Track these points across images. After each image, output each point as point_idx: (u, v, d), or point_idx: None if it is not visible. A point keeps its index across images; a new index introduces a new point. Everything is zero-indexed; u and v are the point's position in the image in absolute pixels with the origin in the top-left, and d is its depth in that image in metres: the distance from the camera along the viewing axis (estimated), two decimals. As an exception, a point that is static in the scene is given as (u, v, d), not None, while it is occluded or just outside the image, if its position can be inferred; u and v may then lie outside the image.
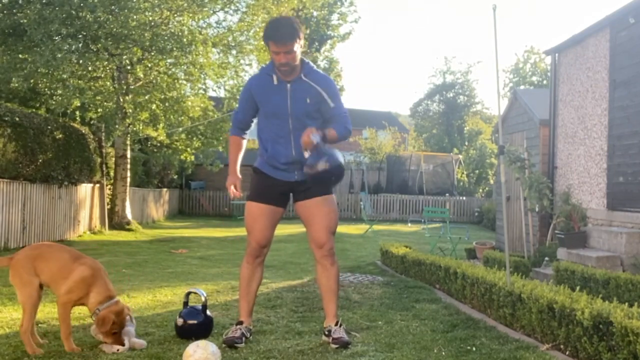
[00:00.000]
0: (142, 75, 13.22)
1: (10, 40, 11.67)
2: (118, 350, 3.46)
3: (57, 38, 11.21)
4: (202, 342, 3.28)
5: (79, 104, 12.58)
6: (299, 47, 3.61)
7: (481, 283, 4.85)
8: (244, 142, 3.98)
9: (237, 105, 4.13)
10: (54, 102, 12.25)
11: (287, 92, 3.69)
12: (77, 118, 13.38)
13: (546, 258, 8.02)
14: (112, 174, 14.41)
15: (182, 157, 16.05)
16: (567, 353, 3.60)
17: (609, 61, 7.71)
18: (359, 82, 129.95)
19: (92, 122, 13.56)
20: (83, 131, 12.47)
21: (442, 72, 37.01)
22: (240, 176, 3.86)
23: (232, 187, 3.82)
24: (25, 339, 3.40)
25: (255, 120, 3.98)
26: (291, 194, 3.89)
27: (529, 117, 9.90)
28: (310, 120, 3.72)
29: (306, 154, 3.62)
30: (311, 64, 3.84)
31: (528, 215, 9.46)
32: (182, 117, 14.07)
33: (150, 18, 12.00)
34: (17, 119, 9.65)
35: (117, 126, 12.93)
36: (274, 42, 3.57)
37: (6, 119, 9.34)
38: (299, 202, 3.86)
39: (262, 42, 13.61)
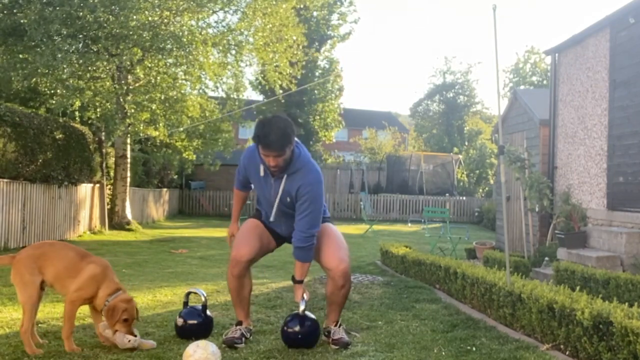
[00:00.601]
0: (142, 75, 13.22)
1: (11, 40, 11.66)
2: (129, 341, 3.45)
3: (57, 38, 11.21)
4: (202, 342, 3.28)
5: (79, 104, 12.58)
6: (290, 149, 3.52)
7: (481, 283, 4.85)
8: (246, 194, 4.19)
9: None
10: (54, 102, 12.25)
11: (271, 187, 3.69)
12: (77, 118, 13.38)
13: (546, 258, 8.02)
14: (112, 174, 14.41)
15: (184, 155, 16.03)
16: (567, 353, 3.60)
17: (609, 61, 7.71)
18: (359, 82, 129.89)
19: (91, 122, 13.56)
20: (83, 131, 12.46)
21: (442, 72, 37.01)
22: (239, 227, 4.06)
23: (231, 235, 4.07)
24: (25, 339, 3.40)
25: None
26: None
27: (529, 117, 9.90)
28: (293, 210, 3.72)
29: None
30: (303, 155, 3.68)
31: (528, 215, 9.46)
32: (182, 117, 14.07)
33: (150, 18, 12.00)
34: (17, 119, 9.65)
35: (117, 126, 12.93)
36: (264, 148, 3.49)
37: (6, 119, 9.34)
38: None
39: (262, 42, 13.77)
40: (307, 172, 3.65)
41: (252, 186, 3.97)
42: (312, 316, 3.75)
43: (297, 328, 3.63)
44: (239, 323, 3.83)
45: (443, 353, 3.58)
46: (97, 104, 12.92)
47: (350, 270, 3.85)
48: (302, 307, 3.65)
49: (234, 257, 3.81)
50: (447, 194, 24.04)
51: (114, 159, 14.41)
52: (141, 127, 13.44)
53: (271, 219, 3.79)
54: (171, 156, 16.85)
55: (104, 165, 13.67)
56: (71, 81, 11.82)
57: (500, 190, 9.29)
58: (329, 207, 20.06)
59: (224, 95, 15.76)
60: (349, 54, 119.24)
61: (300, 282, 3.74)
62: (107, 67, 12.65)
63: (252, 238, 3.82)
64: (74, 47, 11.73)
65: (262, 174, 3.68)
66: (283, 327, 3.70)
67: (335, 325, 3.79)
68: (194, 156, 16.44)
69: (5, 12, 11.41)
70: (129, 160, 14.56)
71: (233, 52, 13.95)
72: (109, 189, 14.27)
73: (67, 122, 12.21)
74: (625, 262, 6.58)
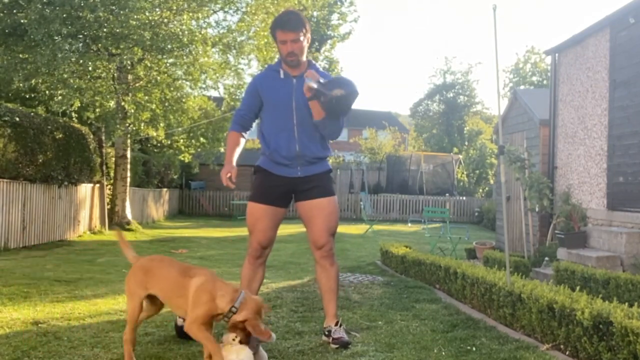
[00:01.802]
0: (142, 75, 13.22)
1: (11, 40, 11.67)
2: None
3: (57, 38, 11.21)
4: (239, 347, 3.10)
5: (78, 104, 12.58)
6: (305, 39, 3.69)
7: (481, 283, 4.85)
8: (243, 140, 3.92)
9: (237, 105, 4.16)
10: (54, 103, 12.25)
11: (293, 86, 3.74)
12: (74, 119, 13.38)
13: (546, 258, 8.02)
14: (112, 174, 14.41)
15: (180, 157, 16.06)
16: (567, 353, 3.60)
17: (609, 61, 7.71)
18: (359, 82, 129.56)
19: (91, 123, 13.56)
20: (83, 131, 12.47)
21: (442, 72, 37.04)
22: (235, 166, 3.75)
23: (227, 176, 3.68)
24: (126, 348, 3.24)
25: (256, 121, 3.99)
26: (293, 195, 3.90)
27: (529, 117, 9.90)
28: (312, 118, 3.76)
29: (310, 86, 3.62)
30: (317, 65, 3.91)
31: (528, 215, 9.46)
32: (182, 117, 14.08)
33: (151, 18, 12.00)
34: (17, 119, 9.65)
35: (117, 126, 12.93)
36: (281, 29, 3.63)
37: (6, 119, 9.35)
38: (300, 202, 3.86)
39: (262, 42, 13.76)
40: (325, 74, 3.83)
41: (261, 114, 3.87)
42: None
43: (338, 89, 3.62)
44: (239, 323, 3.83)
45: (443, 353, 3.58)
46: (97, 103, 12.92)
47: (334, 251, 3.86)
48: (313, 84, 3.60)
49: (254, 248, 3.80)
50: (447, 194, 24.05)
51: (114, 159, 14.42)
52: (141, 127, 13.45)
53: (315, 118, 3.71)
54: (172, 156, 16.87)
55: (104, 165, 13.67)
56: (71, 81, 11.82)
57: (500, 190, 9.28)
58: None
59: (225, 96, 15.77)
60: (349, 54, 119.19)
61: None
62: (108, 67, 12.65)
63: (264, 222, 3.80)
64: (74, 46, 11.73)
65: (282, 76, 3.75)
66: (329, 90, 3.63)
67: (336, 325, 3.79)
68: (190, 157, 16.44)
69: (5, 12, 11.41)
70: (129, 160, 14.56)
71: (233, 52, 13.96)
72: (109, 189, 14.27)
73: (67, 122, 12.21)
74: (625, 262, 6.58)
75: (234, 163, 3.75)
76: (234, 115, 3.98)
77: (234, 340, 3.08)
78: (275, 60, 4.00)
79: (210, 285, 3.15)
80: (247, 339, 3.11)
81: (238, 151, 3.86)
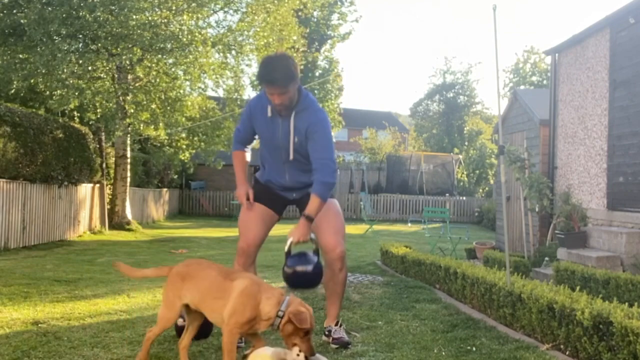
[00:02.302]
0: (142, 75, 13.22)
1: (10, 40, 11.67)
2: None
3: (57, 38, 11.22)
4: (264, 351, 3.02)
5: (77, 104, 12.58)
6: (294, 87, 3.52)
7: (481, 283, 4.85)
8: (247, 155, 3.93)
9: (237, 105, 4.13)
10: (52, 102, 12.26)
11: (279, 127, 3.63)
12: (76, 118, 13.38)
13: (546, 258, 8.02)
14: (112, 174, 14.42)
15: (180, 157, 16.07)
16: (567, 353, 3.60)
17: (609, 61, 7.71)
18: (359, 82, 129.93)
19: (91, 123, 13.57)
20: (83, 131, 12.47)
21: (442, 72, 37.01)
22: (249, 186, 3.79)
23: (245, 197, 3.70)
24: (146, 345, 3.16)
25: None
26: (291, 206, 3.93)
27: (529, 117, 9.90)
28: (303, 152, 3.64)
29: (288, 247, 3.45)
30: (310, 96, 3.69)
31: (528, 215, 9.46)
32: (182, 117, 14.08)
33: (150, 18, 12.00)
34: (17, 119, 9.65)
35: (117, 126, 12.94)
36: (267, 85, 3.48)
37: (6, 119, 9.34)
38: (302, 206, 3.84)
39: (262, 42, 13.76)
40: (315, 110, 3.65)
41: (256, 137, 3.85)
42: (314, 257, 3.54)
43: (300, 267, 3.44)
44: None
45: (443, 353, 3.58)
46: (97, 104, 12.92)
47: (346, 254, 3.79)
48: (287, 244, 3.43)
49: (242, 247, 3.75)
50: (447, 194, 24.05)
51: (114, 159, 14.42)
52: (141, 127, 13.45)
53: (290, 157, 3.65)
54: (172, 156, 16.86)
55: (104, 165, 13.67)
56: (71, 81, 11.83)
57: (500, 190, 9.28)
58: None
59: (224, 96, 15.78)
60: (349, 54, 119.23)
61: (311, 219, 3.51)
62: (107, 67, 12.65)
63: (256, 222, 3.79)
64: (73, 47, 11.75)
65: (269, 114, 3.63)
66: (283, 268, 3.53)
67: (336, 325, 3.78)
68: (188, 157, 16.45)
69: (5, 12, 11.41)
70: (129, 160, 14.56)
71: (233, 52, 13.96)
72: (109, 189, 14.27)
73: (67, 122, 12.21)
74: (625, 262, 6.58)
75: (247, 183, 3.79)
76: (234, 135, 3.95)
77: (298, 355, 2.91)
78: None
79: (255, 288, 2.99)
80: (310, 349, 2.94)
81: (246, 168, 3.90)
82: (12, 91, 12.28)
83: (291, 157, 3.66)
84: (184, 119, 14.13)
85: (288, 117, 3.60)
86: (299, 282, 3.50)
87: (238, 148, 3.90)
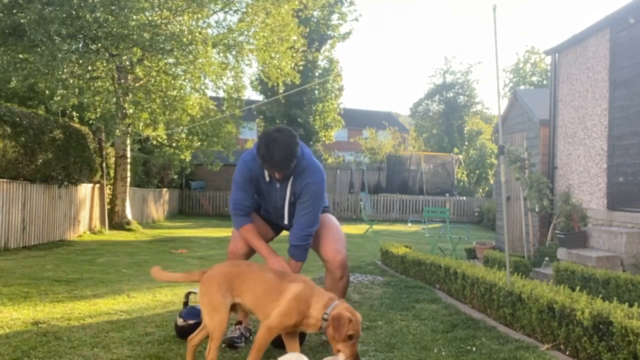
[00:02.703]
0: (141, 75, 13.22)
1: (11, 40, 11.67)
2: None
3: (57, 38, 11.21)
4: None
5: (76, 103, 12.58)
6: (294, 163, 3.47)
7: (481, 283, 4.85)
8: (256, 219, 3.77)
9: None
10: (53, 102, 12.26)
11: (277, 191, 3.62)
12: (76, 118, 13.38)
13: (546, 258, 8.02)
14: (112, 174, 14.42)
15: (180, 157, 16.08)
16: (567, 353, 3.60)
17: (609, 61, 7.71)
18: (359, 82, 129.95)
19: (91, 123, 13.57)
20: (83, 131, 12.48)
21: (442, 72, 37.00)
22: (280, 256, 3.58)
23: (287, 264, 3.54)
24: None
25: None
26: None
27: (529, 117, 9.90)
28: (282, 217, 3.70)
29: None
30: (306, 155, 3.63)
31: (528, 215, 9.45)
32: (182, 117, 14.08)
33: (150, 18, 12.00)
34: (17, 118, 9.65)
35: (117, 126, 12.94)
36: (269, 168, 3.46)
37: (6, 118, 9.34)
38: None
39: (262, 43, 13.75)
40: (312, 171, 3.60)
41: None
42: None
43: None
44: (239, 323, 3.83)
45: (443, 353, 3.58)
46: (97, 104, 12.92)
47: (348, 262, 3.79)
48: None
49: (231, 251, 3.73)
50: (447, 194, 24.06)
51: (114, 159, 14.42)
52: (141, 127, 13.45)
53: (285, 222, 3.70)
54: (172, 156, 16.87)
55: (104, 165, 13.68)
56: (71, 81, 11.83)
57: (500, 190, 9.28)
58: (329, 207, 19.97)
59: (225, 96, 15.78)
60: (349, 54, 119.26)
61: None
62: (107, 67, 12.65)
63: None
64: (73, 47, 11.74)
65: (267, 179, 3.59)
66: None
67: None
68: (189, 157, 16.45)
69: (5, 12, 11.41)
70: (129, 160, 14.57)
71: (233, 52, 13.96)
72: (109, 189, 14.28)
73: (67, 122, 12.21)
74: (625, 262, 6.58)
75: (274, 252, 3.59)
76: (235, 206, 3.66)
77: None
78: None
79: (308, 293, 2.97)
80: (353, 355, 2.87)
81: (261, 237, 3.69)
82: (10, 85, 12.24)
83: (286, 221, 3.67)
84: (187, 117, 14.13)
85: (286, 181, 3.56)
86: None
87: (245, 222, 3.64)
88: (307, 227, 3.57)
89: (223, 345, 3.62)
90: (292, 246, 3.60)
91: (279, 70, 14.52)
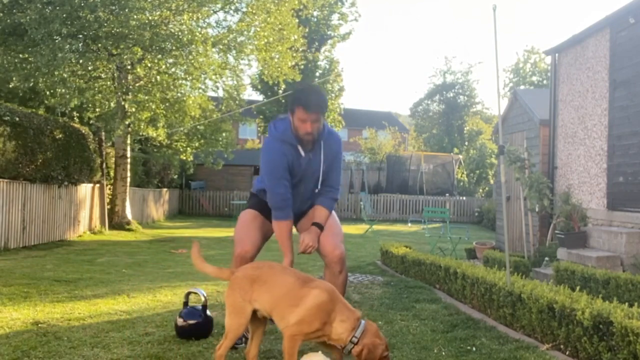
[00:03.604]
0: (142, 75, 13.23)
1: (11, 40, 11.67)
2: None
3: (57, 38, 11.21)
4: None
5: (77, 103, 12.58)
6: (323, 118, 3.59)
7: (481, 283, 4.85)
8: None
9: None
10: (54, 101, 12.26)
11: (310, 162, 3.65)
12: (76, 118, 13.38)
13: (546, 258, 8.02)
14: (112, 174, 14.42)
15: (181, 157, 16.08)
16: (567, 353, 3.60)
17: (609, 61, 7.71)
18: (359, 82, 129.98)
19: (91, 122, 13.57)
20: (83, 131, 12.48)
21: (442, 72, 37.00)
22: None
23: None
24: None
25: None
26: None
27: (529, 117, 9.90)
28: (319, 179, 3.72)
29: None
30: (326, 123, 3.74)
31: (528, 215, 9.46)
32: (182, 117, 14.08)
33: (150, 18, 12.00)
34: (17, 118, 9.65)
35: (116, 125, 12.94)
36: (305, 109, 3.46)
37: (6, 118, 9.34)
38: (298, 222, 3.84)
39: (262, 42, 13.75)
40: (333, 133, 3.80)
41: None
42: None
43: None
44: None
45: (443, 353, 3.58)
46: (97, 103, 12.92)
47: (346, 257, 3.77)
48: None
49: (239, 254, 3.67)
50: (447, 194, 24.05)
51: (114, 159, 14.43)
52: (141, 127, 13.45)
53: (318, 188, 3.71)
54: (171, 156, 16.88)
55: (104, 165, 13.68)
56: (71, 80, 11.83)
57: (500, 190, 9.28)
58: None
59: (225, 95, 15.79)
60: (349, 54, 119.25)
61: (321, 227, 3.66)
62: (107, 67, 12.65)
63: (254, 231, 3.76)
64: (74, 46, 11.74)
65: (303, 154, 3.62)
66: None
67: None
68: (191, 157, 16.46)
69: (5, 12, 11.41)
70: (129, 160, 14.57)
71: (233, 52, 13.96)
72: (109, 189, 14.28)
73: (67, 122, 12.21)
74: (625, 262, 6.58)
75: (292, 251, 3.61)
76: (275, 198, 3.61)
77: None
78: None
79: (331, 305, 2.89)
80: None
81: (292, 237, 3.66)
82: (11, 85, 12.24)
83: (319, 188, 3.73)
84: (187, 119, 14.14)
85: (318, 149, 3.65)
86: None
87: (288, 217, 3.62)
88: (337, 183, 3.79)
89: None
90: (331, 200, 3.75)
91: (279, 69, 14.52)
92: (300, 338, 2.88)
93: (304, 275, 3.08)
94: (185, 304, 4.02)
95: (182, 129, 14.75)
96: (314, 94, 3.56)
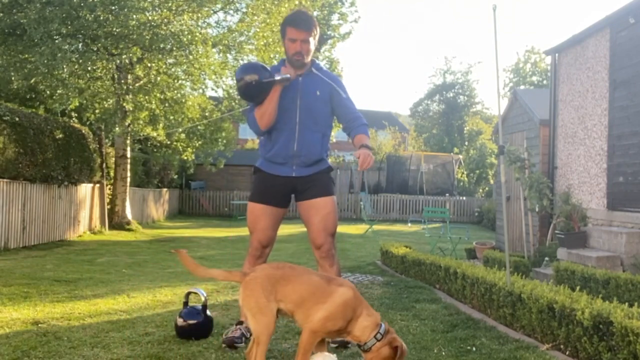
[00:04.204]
0: (141, 75, 13.22)
1: (10, 40, 11.67)
2: None
3: (57, 38, 11.21)
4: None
5: (77, 104, 12.58)
6: (313, 42, 3.72)
7: (481, 283, 4.85)
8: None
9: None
10: (53, 101, 12.26)
11: (299, 86, 3.74)
12: (74, 119, 13.38)
13: (546, 258, 8.02)
14: (112, 174, 14.42)
15: (182, 156, 16.08)
16: (567, 353, 3.60)
17: (609, 61, 7.71)
18: (359, 82, 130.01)
19: (91, 122, 13.57)
20: (83, 131, 12.48)
21: (442, 72, 36.99)
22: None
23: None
24: None
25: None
26: (293, 195, 3.89)
27: (529, 117, 9.90)
28: (317, 113, 3.77)
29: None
30: (320, 64, 3.91)
31: (528, 215, 9.46)
32: (182, 117, 14.08)
33: (150, 18, 12.00)
34: (17, 118, 9.65)
35: (116, 126, 12.94)
36: (294, 26, 3.64)
37: (6, 118, 9.34)
38: (299, 202, 3.86)
39: (262, 43, 13.73)
40: (330, 72, 3.88)
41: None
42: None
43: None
44: (240, 323, 3.82)
45: (443, 353, 3.58)
46: (97, 104, 12.92)
47: (335, 250, 3.81)
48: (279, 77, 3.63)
49: (256, 248, 3.79)
50: (447, 194, 24.05)
51: (114, 159, 14.43)
52: (141, 127, 13.45)
53: (298, 111, 3.73)
54: (171, 156, 16.88)
55: (104, 165, 13.68)
56: (71, 81, 11.83)
57: (500, 190, 9.28)
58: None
59: (225, 95, 15.78)
60: (349, 54, 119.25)
61: (368, 147, 3.72)
62: (107, 67, 12.65)
63: (267, 222, 3.80)
64: (73, 46, 11.74)
65: (291, 75, 3.70)
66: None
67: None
68: (193, 156, 16.46)
69: (5, 12, 11.41)
70: (129, 160, 14.57)
71: (233, 52, 13.96)
72: (109, 189, 14.28)
73: (67, 122, 12.22)
74: (625, 262, 6.58)
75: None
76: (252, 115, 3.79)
77: None
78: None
79: (356, 302, 2.92)
80: None
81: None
82: (11, 86, 12.25)
83: (298, 109, 3.73)
84: (186, 119, 14.14)
85: (307, 75, 3.75)
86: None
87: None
88: (357, 111, 3.87)
89: (223, 345, 3.62)
90: (363, 125, 3.82)
91: None
92: (320, 335, 2.87)
93: (326, 274, 3.11)
94: (185, 304, 4.02)
95: (181, 129, 14.75)
96: (302, 14, 3.73)
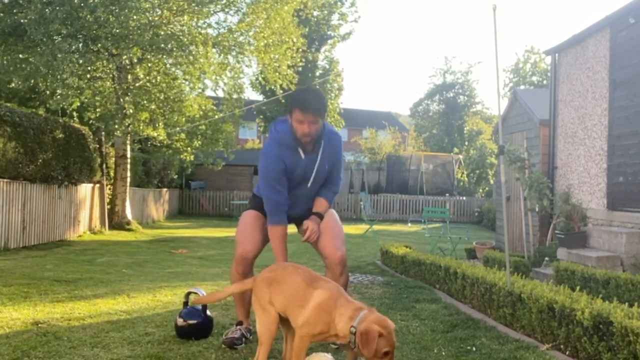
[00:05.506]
0: (142, 75, 13.22)
1: (11, 40, 11.68)
2: None
3: (57, 38, 11.22)
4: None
5: (78, 104, 12.59)
6: (323, 120, 3.57)
7: (481, 283, 4.85)
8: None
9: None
10: (53, 101, 12.26)
11: (315, 164, 3.63)
12: (75, 118, 13.38)
13: (546, 258, 8.02)
14: (112, 174, 14.42)
15: (182, 156, 16.08)
16: (567, 353, 3.60)
17: (609, 61, 7.71)
18: (359, 82, 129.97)
19: (91, 123, 13.57)
20: (83, 131, 12.47)
21: (442, 72, 36.99)
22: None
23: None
24: None
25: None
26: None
27: (529, 117, 9.90)
28: (324, 177, 3.74)
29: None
30: (326, 123, 3.72)
31: (528, 215, 9.46)
32: (182, 117, 14.09)
33: (150, 18, 12.00)
34: (17, 118, 9.65)
35: (116, 126, 12.94)
36: (302, 110, 3.44)
37: (6, 118, 9.34)
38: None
39: (262, 43, 13.73)
40: (334, 133, 3.78)
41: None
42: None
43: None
44: (239, 323, 3.82)
45: (443, 353, 3.58)
46: (97, 104, 12.92)
47: (347, 258, 3.77)
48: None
49: (241, 255, 3.71)
50: (447, 194, 24.06)
51: (114, 159, 14.43)
52: (141, 127, 13.45)
53: (309, 185, 3.69)
54: (171, 156, 16.88)
55: (104, 165, 13.68)
56: (71, 81, 11.84)
57: (500, 190, 9.29)
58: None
59: (225, 96, 15.79)
60: (349, 54, 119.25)
61: (321, 216, 3.73)
62: (107, 67, 12.65)
63: (255, 232, 3.77)
64: (74, 47, 11.74)
65: (303, 157, 3.59)
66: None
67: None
68: (192, 157, 16.46)
69: (5, 12, 11.41)
70: (129, 160, 14.57)
71: (233, 53, 13.96)
72: (109, 189, 14.28)
73: (67, 122, 12.21)
74: (625, 262, 6.58)
75: (286, 259, 3.60)
76: (269, 204, 3.63)
77: None
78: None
79: (331, 304, 2.84)
80: (391, 358, 2.73)
81: (286, 244, 3.67)
82: (11, 86, 12.24)
83: (310, 185, 3.71)
84: (183, 119, 14.14)
85: (319, 149, 3.62)
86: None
87: (282, 222, 3.63)
88: (339, 179, 3.83)
89: (223, 345, 3.62)
90: (331, 192, 3.80)
91: (277, 74, 14.52)
92: (307, 339, 2.86)
93: (312, 275, 3.04)
94: (185, 304, 4.02)
95: (180, 129, 14.75)
96: (311, 96, 3.54)
